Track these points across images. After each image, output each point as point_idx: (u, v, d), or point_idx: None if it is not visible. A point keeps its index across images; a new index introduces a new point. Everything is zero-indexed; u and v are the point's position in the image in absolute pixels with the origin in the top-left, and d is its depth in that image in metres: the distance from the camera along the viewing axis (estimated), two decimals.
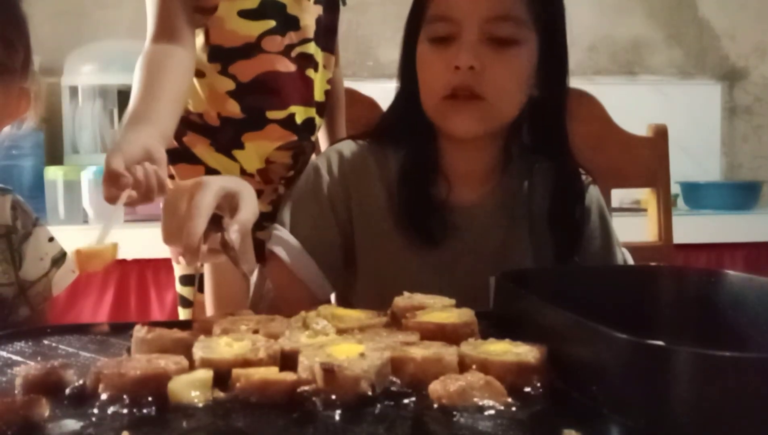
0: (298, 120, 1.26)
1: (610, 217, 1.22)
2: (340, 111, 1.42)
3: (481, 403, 0.61)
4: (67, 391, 0.64)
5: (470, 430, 0.57)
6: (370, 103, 1.44)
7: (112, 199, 0.89)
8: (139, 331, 0.74)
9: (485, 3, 1.04)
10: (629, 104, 2.14)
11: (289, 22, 1.23)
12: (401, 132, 1.13)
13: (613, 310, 0.74)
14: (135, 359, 0.67)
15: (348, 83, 1.48)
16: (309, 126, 1.28)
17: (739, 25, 3.10)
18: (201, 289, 1.17)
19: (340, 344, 0.70)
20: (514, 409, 0.61)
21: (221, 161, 1.26)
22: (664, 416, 0.57)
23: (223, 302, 1.00)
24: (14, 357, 0.76)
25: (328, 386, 0.61)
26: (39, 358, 0.75)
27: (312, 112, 1.28)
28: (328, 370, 0.61)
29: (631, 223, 1.72)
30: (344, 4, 1.34)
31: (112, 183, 0.88)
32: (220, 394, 0.64)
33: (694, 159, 2.96)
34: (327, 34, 1.30)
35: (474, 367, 0.67)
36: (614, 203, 1.58)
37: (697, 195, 2.70)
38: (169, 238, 0.85)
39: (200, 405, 0.62)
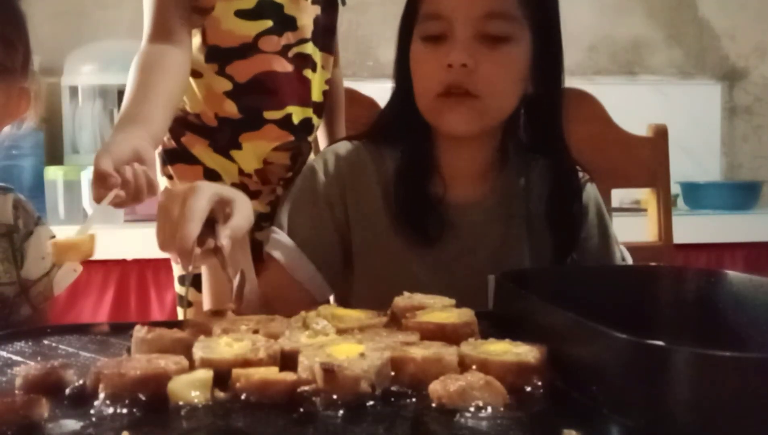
0: (295, 120, 1.26)
1: (609, 215, 1.22)
2: (339, 112, 1.42)
3: (481, 403, 0.61)
4: (67, 391, 0.64)
5: (470, 430, 0.57)
6: (370, 103, 1.44)
7: (100, 200, 0.90)
8: (139, 331, 0.74)
9: (477, 1, 1.04)
10: (629, 104, 2.14)
11: (286, 22, 1.23)
12: (397, 131, 1.13)
13: (613, 310, 0.74)
14: (135, 359, 0.67)
15: (348, 83, 1.48)
16: (306, 126, 1.28)
17: (739, 25, 3.09)
18: (200, 289, 1.17)
19: (340, 344, 0.70)
20: (514, 409, 0.61)
21: (219, 161, 1.26)
22: (664, 416, 0.57)
23: (220, 302, 1.00)
24: (14, 357, 0.76)
25: (328, 386, 0.61)
26: (39, 358, 0.75)
27: (309, 112, 1.28)
28: (328, 370, 0.61)
29: (631, 223, 1.72)
30: (344, 4, 1.34)
31: (100, 184, 0.89)
32: (220, 394, 0.63)
33: (694, 159, 2.96)
34: (325, 34, 1.30)
35: (474, 367, 0.67)
36: (614, 203, 1.58)
37: (697, 195, 2.70)
38: (163, 242, 0.85)
39: (200, 405, 0.62)
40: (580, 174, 1.16)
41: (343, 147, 1.16)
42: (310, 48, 1.27)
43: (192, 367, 0.67)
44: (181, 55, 1.13)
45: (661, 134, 1.55)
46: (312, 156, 1.33)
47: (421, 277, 1.08)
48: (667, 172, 1.55)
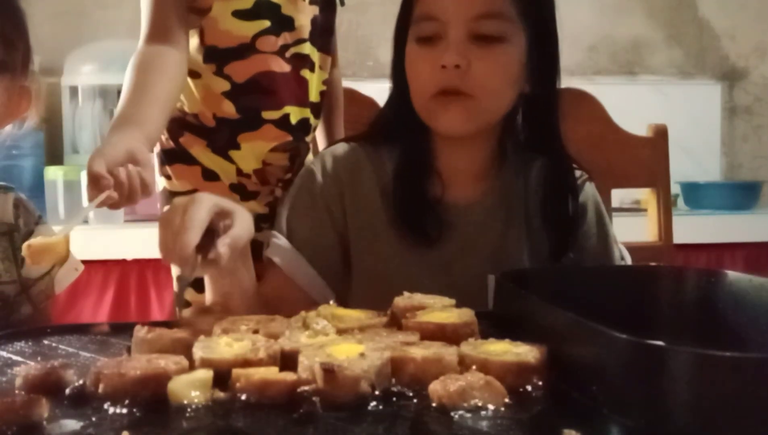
0: (293, 120, 1.26)
1: (609, 215, 1.22)
2: (337, 112, 1.42)
3: (481, 403, 0.61)
4: (67, 391, 0.64)
5: (470, 430, 0.57)
6: (370, 103, 1.44)
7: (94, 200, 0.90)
8: (139, 331, 0.75)
9: (470, 1, 1.04)
10: (629, 104, 2.14)
11: (283, 23, 1.23)
12: (395, 131, 1.13)
13: (613, 310, 0.74)
14: (135, 359, 0.67)
15: (348, 83, 1.48)
16: (304, 126, 1.28)
17: (739, 25, 3.09)
18: (197, 290, 1.17)
19: (340, 344, 0.70)
20: (514, 409, 0.62)
21: (218, 162, 1.26)
22: (664, 416, 0.57)
23: (227, 298, 1.00)
24: (14, 357, 0.76)
25: (328, 386, 0.61)
26: (39, 358, 0.75)
27: (307, 112, 1.28)
28: (328, 370, 0.61)
29: (631, 223, 1.71)
30: (342, 4, 1.34)
31: (93, 185, 0.90)
32: (220, 394, 0.64)
33: (694, 159, 2.96)
34: (323, 34, 1.30)
35: (474, 367, 0.67)
36: (614, 203, 1.58)
37: (697, 195, 2.70)
38: (165, 253, 0.85)
39: (200, 405, 0.62)
40: (579, 173, 1.16)
41: (341, 148, 1.16)
42: (307, 48, 1.27)
43: (192, 367, 0.67)
44: (178, 56, 1.13)
45: (661, 134, 1.55)
46: (310, 157, 1.33)
47: (420, 277, 1.08)
48: (667, 172, 1.55)
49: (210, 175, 1.26)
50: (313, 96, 1.29)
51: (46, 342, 0.82)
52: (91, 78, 2.49)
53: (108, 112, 2.50)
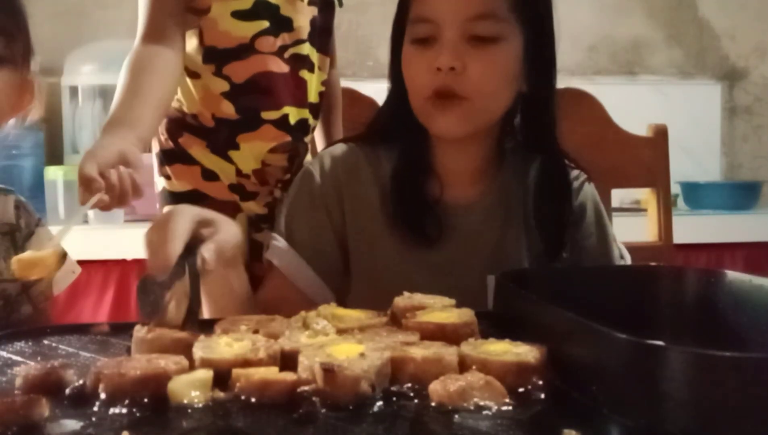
0: (292, 121, 1.26)
1: (609, 215, 1.22)
2: (336, 113, 1.42)
3: (481, 403, 0.61)
4: (67, 391, 0.64)
5: (470, 430, 0.57)
6: (370, 103, 1.44)
7: (85, 203, 0.91)
8: (139, 331, 0.75)
9: (464, 3, 1.04)
10: (629, 104, 2.14)
11: (282, 23, 1.23)
12: (393, 132, 1.13)
13: (613, 310, 0.75)
14: (135, 359, 0.67)
15: (348, 83, 1.48)
16: (303, 127, 1.28)
17: (739, 25, 3.09)
18: None
19: (340, 344, 0.70)
20: (514, 409, 0.61)
21: (217, 162, 1.26)
22: (664, 416, 0.57)
23: (220, 304, 1.00)
24: (14, 357, 0.76)
25: (328, 386, 0.61)
26: (39, 358, 0.75)
27: (305, 113, 1.28)
28: (328, 370, 0.61)
29: (631, 223, 1.71)
30: (341, 5, 1.34)
31: (85, 188, 0.90)
32: (220, 394, 0.64)
33: (694, 159, 2.96)
34: (322, 35, 1.30)
35: (474, 367, 0.67)
36: (614, 203, 1.58)
37: (697, 195, 2.70)
38: (152, 266, 0.85)
39: (200, 405, 0.62)
40: (576, 172, 1.16)
41: (339, 149, 1.16)
42: (306, 49, 1.27)
43: (192, 367, 0.67)
44: (173, 57, 1.13)
45: (661, 134, 1.55)
46: (309, 157, 1.33)
47: (419, 278, 1.08)
48: (667, 172, 1.55)
49: (209, 176, 1.26)
50: (312, 96, 1.29)
51: (46, 342, 0.82)
52: (91, 78, 2.49)
53: (108, 112, 2.50)
